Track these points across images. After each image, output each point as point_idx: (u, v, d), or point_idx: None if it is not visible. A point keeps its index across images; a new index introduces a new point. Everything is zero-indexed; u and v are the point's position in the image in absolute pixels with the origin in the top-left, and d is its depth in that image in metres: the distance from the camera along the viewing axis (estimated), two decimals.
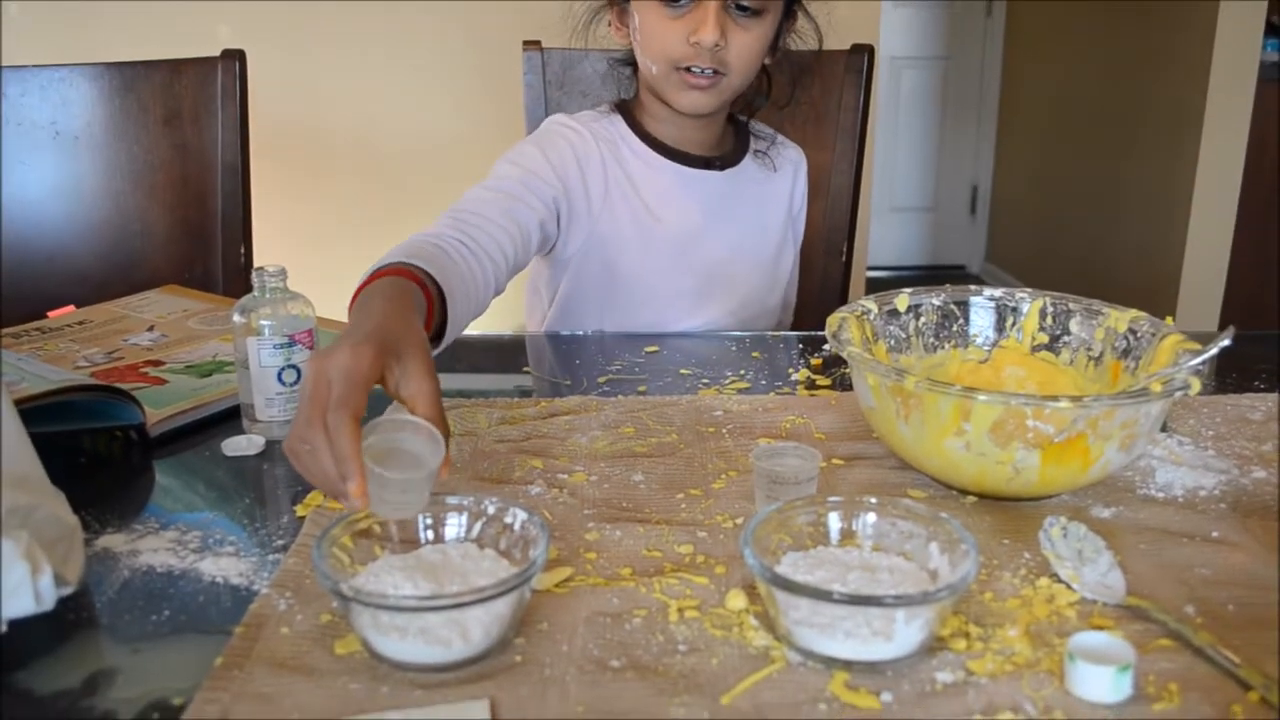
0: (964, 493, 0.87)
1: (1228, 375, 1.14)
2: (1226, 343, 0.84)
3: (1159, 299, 3.29)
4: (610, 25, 1.33)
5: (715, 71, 1.23)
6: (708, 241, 1.37)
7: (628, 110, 1.37)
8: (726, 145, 1.41)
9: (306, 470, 0.71)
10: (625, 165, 1.34)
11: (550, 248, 1.33)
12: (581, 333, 1.34)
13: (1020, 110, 4.66)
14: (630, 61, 1.35)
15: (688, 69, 1.22)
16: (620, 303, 1.36)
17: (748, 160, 1.41)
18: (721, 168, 1.38)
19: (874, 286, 1.03)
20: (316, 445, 0.69)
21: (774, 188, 1.44)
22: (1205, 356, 0.84)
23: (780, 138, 1.47)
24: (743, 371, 1.17)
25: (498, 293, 1.14)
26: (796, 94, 1.41)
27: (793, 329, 1.51)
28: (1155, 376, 0.85)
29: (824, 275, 1.67)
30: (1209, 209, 3.15)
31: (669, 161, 1.35)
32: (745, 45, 1.23)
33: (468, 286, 1.04)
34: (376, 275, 0.92)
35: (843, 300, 1.67)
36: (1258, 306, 3.24)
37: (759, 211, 1.42)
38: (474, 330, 1.11)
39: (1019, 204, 4.69)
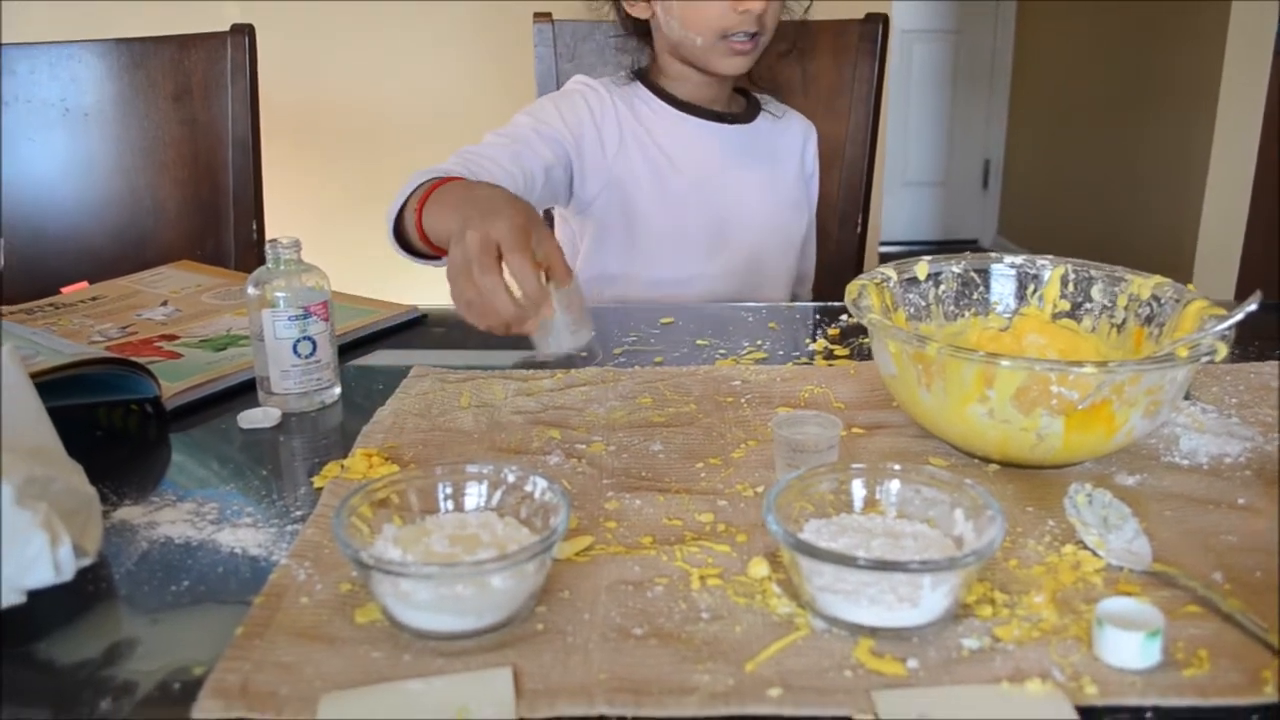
0: (986, 460, 0.86)
1: (1249, 344, 1.13)
2: (1253, 307, 0.83)
3: (1173, 272, 3.24)
4: None
5: (754, 34, 1.30)
6: (721, 187, 1.41)
7: (644, 76, 1.43)
8: (739, 106, 1.47)
9: (482, 315, 0.85)
10: (642, 119, 1.40)
11: (569, 197, 1.40)
12: (601, 303, 1.34)
13: (1032, 83, 4.63)
14: (638, 33, 1.42)
15: (730, 35, 1.29)
16: (639, 246, 1.40)
17: (760, 120, 1.47)
18: (733, 122, 1.44)
19: (886, 261, 1.02)
20: (494, 288, 0.83)
21: (785, 144, 1.49)
22: (1232, 321, 0.83)
23: (790, 110, 1.52)
24: (760, 342, 1.16)
25: None
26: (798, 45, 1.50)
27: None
28: (1181, 342, 0.84)
29: (839, 246, 1.67)
30: (1224, 182, 3.12)
31: (686, 114, 1.41)
32: (775, 4, 1.32)
33: None
34: (436, 185, 1.03)
35: (857, 272, 1.66)
36: (1273, 278, 3.21)
37: (771, 164, 1.47)
38: None
39: (1031, 178, 4.66)
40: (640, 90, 1.41)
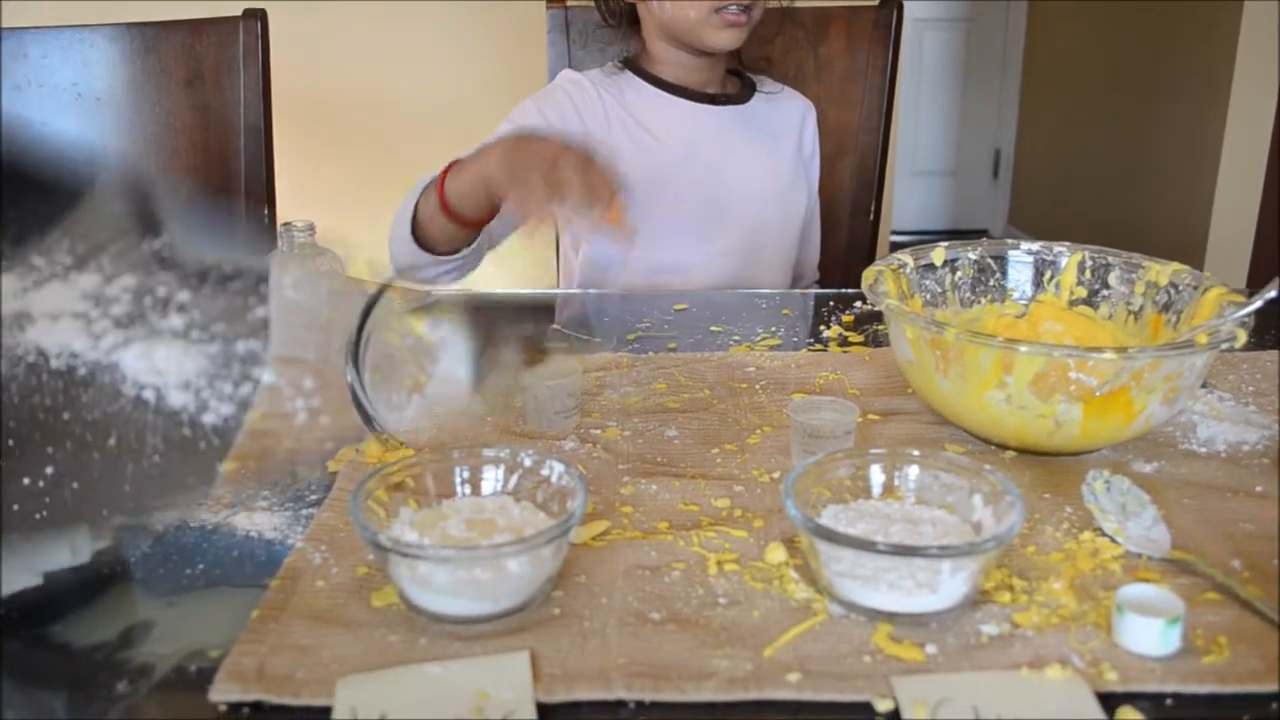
0: (1003, 447, 0.86)
1: (1266, 332, 1.12)
2: (1273, 294, 0.83)
3: (1185, 262, 3.24)
4: None
5: (747, 7, 1.30)
6: (717, 167, 1.41)
7: (634, 64, 1.43)
8: (733, 88, 1.46)
9: (543, 200, 0.90)
10: (629, 107, 1.39)
11: None
12: (610, 291, 1.34)
13: (1044, 73, 4.60)
14: (625, 21, 1.43)
15: (725, 8, 1.30)
16: (638, 233, 1.37)
17: (755, 100, 1.46)
18: (726, 103, 1.43)
19: (897, 250, 1.01)
20: (572, 183, 0.89)
21: (782, 122, 1.48)
22: (1253, 307, 0.82)
23: (787, 89, 1.51)
24: (774, 328, 1.16)
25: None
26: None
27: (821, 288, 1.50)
28: (1200, 329, 0.84)
29: (851, 235, 1.66)
30: (1236, 172, 3.10)
31: (676, 97, 1.40)
32: None
33: None
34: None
35: (870, 262, 1.66)
36: None
37: (768, 143, 1.45)
38: (501, 289, 1.12)
39: (1042, 167, 4.64)
40: (630, 78, 1.41)
